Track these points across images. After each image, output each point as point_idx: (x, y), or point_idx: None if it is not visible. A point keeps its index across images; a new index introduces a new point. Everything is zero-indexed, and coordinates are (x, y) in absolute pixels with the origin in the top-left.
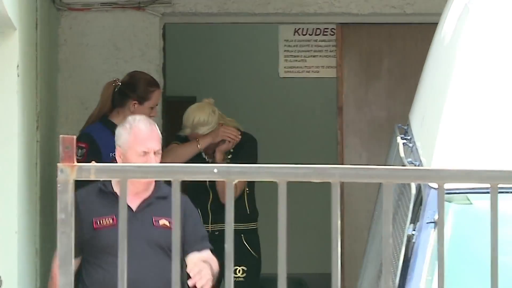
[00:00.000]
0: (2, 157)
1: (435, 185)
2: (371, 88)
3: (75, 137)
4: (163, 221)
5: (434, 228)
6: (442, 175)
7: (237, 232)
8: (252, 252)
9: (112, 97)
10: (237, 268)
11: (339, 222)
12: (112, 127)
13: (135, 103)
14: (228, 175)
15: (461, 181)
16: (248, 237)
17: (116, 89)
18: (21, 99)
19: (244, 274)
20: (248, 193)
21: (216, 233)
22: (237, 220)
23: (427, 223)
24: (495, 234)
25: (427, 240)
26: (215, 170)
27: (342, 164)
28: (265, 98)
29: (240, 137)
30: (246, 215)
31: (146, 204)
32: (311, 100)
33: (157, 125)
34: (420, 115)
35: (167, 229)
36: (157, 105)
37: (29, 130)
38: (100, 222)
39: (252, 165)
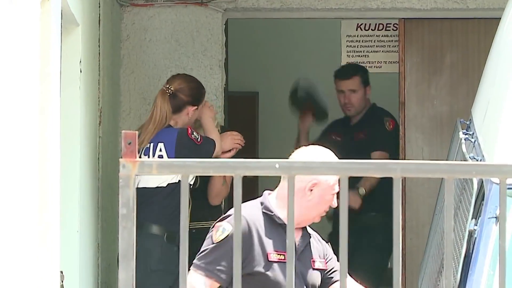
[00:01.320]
0: (64, 153)
1: (497, 180)
2: (433, 83)
3: (137, 132)
4: (317, 263)
5: (496, 223)
6: (504, 170)
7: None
8: None
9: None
10: None
11: (400, 217)
12: None
13: (194, 108)
14: (290, 170)
15: None
16: None
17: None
18: (84, 95)
19: None
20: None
21: (193, 231)
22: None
23: (489, 218)
24: None
25: (488, 235)
26: (277, 166)
27: (404, 159)
28: (327, 94)
29: (244, 143)
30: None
31: (304, 243)
32: (373, 95)
33: (220, 120)
34: (483, 110)
35: (321, 270)
36: None
37: (91, 126)
38: (274, 256)
39: (314, 161)
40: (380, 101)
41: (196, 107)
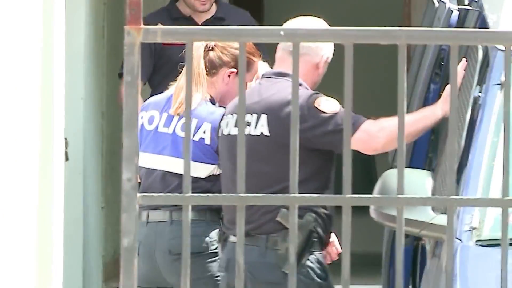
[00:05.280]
0: (69, 21)
1: (502, 47)
2: None
3: (141, 0)
4: None
5: (501, 89)
6: (509, 37)
7: None
8: None
9: None
10: None
11: (405, 84)
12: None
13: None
14: (294, 37)
15: None
16: None
17: None
18: None
19: None
20: None
21: None
22: None
23: (494, 85)
24: None
25: (493, 102)
26: (282, 33)
27: (409, 26)
28: None
29: None
30: None
31: None
32: None
33: None
34: None
35: None
36: None
37: None
38: None
39: (318, 28)
40: None
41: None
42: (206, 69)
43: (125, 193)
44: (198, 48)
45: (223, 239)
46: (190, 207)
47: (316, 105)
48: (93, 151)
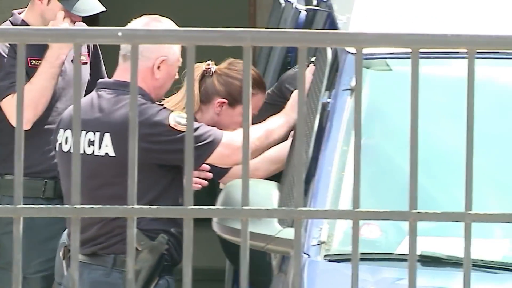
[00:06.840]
0: None
1: (352, 49)
2: None
3: None
4: None
5: (351, 95)
6: (361, 39)
7: None
8: None
9: None
10: None
11: (250, 88)
12: None
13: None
14: (133, 39)
15: (381, 46)
16: None
17: None
18: None
19: None
20: None
21: None
22: None
23: (343, 90)
24: (415, 101)
25: (342, 108)
26: (120, 34)
27: (255, 27)
28: None
29: None
30: None
31: None
32: None
33: None
34: None
35: None
36: None
37: None
38: None
39: (159, 29)
40: None
41: None
42: (200, 96)
43: None
44: (196, 69)
45: (67, 257)
46: (21, 219)
47: (170, 120)
48: None
